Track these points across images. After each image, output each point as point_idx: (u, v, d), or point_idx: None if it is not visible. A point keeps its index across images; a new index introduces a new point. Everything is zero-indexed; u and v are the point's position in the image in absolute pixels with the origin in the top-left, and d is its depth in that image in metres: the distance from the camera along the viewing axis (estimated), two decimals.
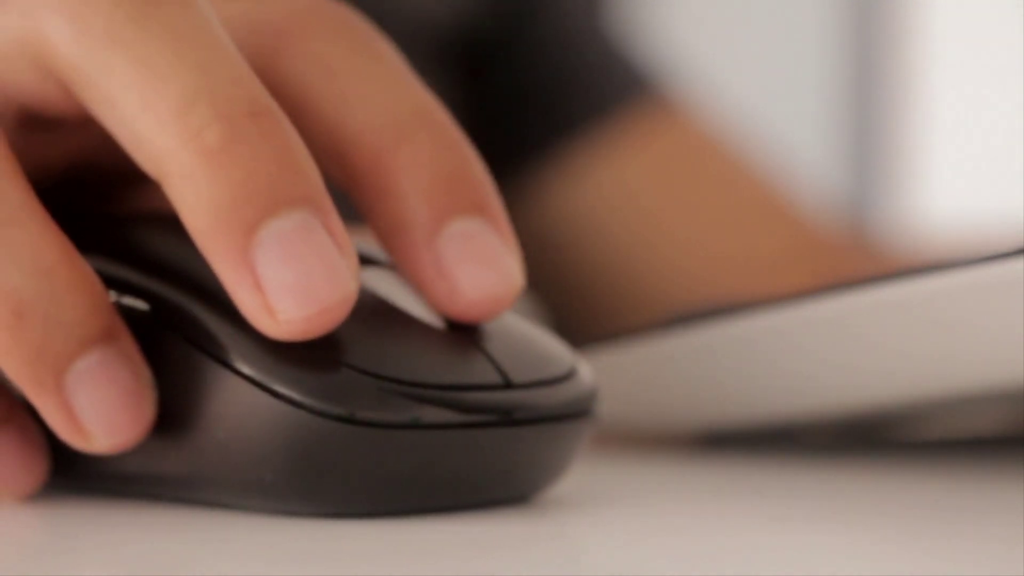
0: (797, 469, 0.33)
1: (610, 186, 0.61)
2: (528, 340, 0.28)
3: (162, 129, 0.25)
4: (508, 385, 0.26)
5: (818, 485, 0.32)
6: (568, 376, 0.27)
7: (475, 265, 0.27)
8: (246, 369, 0.25)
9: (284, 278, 0.25)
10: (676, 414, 0.36)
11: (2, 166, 0.26)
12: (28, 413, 0.28)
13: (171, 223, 0.26)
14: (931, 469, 0.33)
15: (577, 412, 0.27)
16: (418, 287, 0.27)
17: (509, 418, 0.26)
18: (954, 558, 0.24)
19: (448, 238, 0.27)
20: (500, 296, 0.27)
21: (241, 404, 0.25)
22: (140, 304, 0.27)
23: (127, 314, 0.27)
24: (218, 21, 0.26)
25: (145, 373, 0.26)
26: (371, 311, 0.26)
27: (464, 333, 0.27)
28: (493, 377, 0.26)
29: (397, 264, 0.27)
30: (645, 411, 0.35)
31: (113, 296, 0.27)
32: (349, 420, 0.25)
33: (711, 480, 0.33)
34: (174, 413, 0.26)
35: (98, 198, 0.31)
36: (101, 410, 0.26)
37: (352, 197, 0.28)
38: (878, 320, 0.31)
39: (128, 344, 0.26)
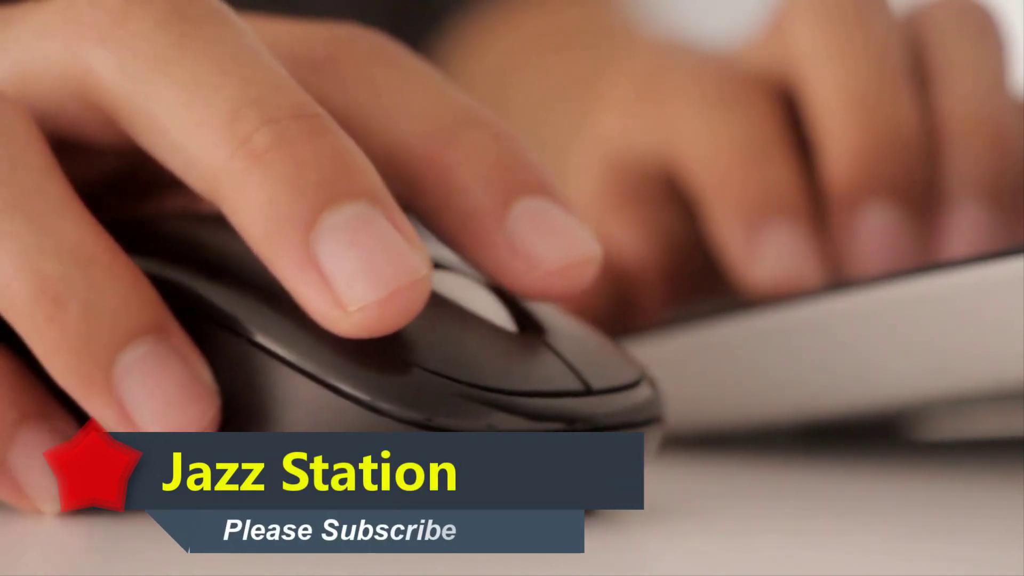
0: (802, 470, 0.34)
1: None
2: (596, 345, 0.27)
3: (211, 144, 0.25)
4: (589, 392, 0.26)
5: (821, 487, 0.32)
6: (639, 381, 0.27)
7: (549, 237, 0.27)
8: (317, 371, 0.25)
9: (350, 265, 0.24)
10: (678, 414, 0.36)
11: (40, 161, 0.26)
12: (68, 414, 0.26)
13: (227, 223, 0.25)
14: (931, 469, 0.33)
15: (652, 418, 0.26)
16: (494, 272, 0.27)
17: (590, 425, 0.25)
18: (954, 558, 0.24)
19: (516, 218, 0.27)
20: (579, 263, 0.27)
21: (312, 408, 0.25)
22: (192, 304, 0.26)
23: (186, 316, 0.26)
24: (258, 38, 0.26)
25: (203, 371, 0.25)
26: (443, 314, 0.26)
27: (536, 337, 0.26)
28: (573, 384, 0.26)
29: (469, 257, 0.27)
30: None
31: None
32: (425, 426, 0.24)
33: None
34: (239, 417, 0.25)
35: (132, 204, 0.30)
36: (155, 406, 0.25)
37: (414, 206, 0.27)
38: (878, 320, 0.31)
39: (181, 340, 0.25)
